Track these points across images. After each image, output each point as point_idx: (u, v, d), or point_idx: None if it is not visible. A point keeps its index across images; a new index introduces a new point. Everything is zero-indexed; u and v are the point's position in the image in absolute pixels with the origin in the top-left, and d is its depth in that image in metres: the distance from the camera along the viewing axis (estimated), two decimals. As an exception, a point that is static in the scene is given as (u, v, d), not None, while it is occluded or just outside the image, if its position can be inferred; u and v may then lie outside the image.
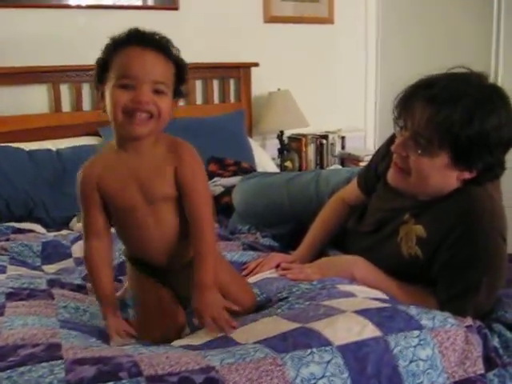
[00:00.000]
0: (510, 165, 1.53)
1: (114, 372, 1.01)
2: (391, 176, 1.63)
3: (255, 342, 1.19)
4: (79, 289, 1.65)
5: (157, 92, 1.30)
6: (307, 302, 1.40)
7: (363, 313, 1.27)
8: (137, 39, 1.31)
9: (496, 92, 1.47)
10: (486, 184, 1.51)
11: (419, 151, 1.49)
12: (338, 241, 1.90)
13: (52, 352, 1.10)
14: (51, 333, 1.23)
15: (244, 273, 1.76)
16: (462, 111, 1.41)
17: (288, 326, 1.25)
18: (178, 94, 1.39)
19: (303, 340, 1.15)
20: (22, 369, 1.03)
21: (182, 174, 1.35)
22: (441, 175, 1.51)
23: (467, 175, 1.50)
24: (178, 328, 1.43)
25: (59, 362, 1.05)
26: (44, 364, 1.04)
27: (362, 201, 1.86)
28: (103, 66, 1.32)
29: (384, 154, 1.77)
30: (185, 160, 1.35)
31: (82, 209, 1.40)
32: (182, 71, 1.38)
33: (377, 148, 1.95)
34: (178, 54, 1.37)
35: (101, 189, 1.36)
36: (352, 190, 1.91)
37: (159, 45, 1.33)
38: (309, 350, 1.12)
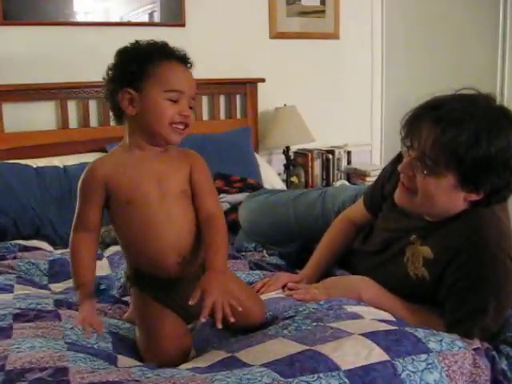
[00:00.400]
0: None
1: (121, 399, 1.01)
2: (398, 196, 1.63)
3: (262, 365, 1.18)
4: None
5: (189, 106, 1.43)
6: (314, 323, 1.40)
7: (370, 336, 1.26)
8: (177, 55, 1.44)
9: (504, 114, 1.47)
10: (493, 206, 1.50)
11: (425, 171, 1.49)
12: (345, 260, 1.90)
13: (59, 377, 1.10)
14: (58, 356, 1.23)
15: (251, 293, 1.75)
16: (468, 133, 1.41)
17: (295, 348, 1.25)
18: None
19: (310, 364, 1.15)
20: (29, 395, 1.03)
21: (196, 173, 1.46)
22: (447, 196, 1.50)
23: (474, 197, 1.49)
24: (185, 352, 1.43)
25: (66, 388, 1.05)
26: (51, 390, 1.04)
27: (368, 220, 1.86)
28: (138, 72, 1.39)
29: (390, 173, 1.76)
30: (198, 161, 1.48)
31: (78, 201, 1.44)
32: None
33: (383, 163, 1.95)
34: None
35: (110, 186, 1.41)
36: (358, 210, 1.91)
37: (190, 63, 1.47)
38: (316, 375, 1.12)
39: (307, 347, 1.24)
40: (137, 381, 1.09)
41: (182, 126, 1.41)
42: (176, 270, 1.44)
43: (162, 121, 1.39)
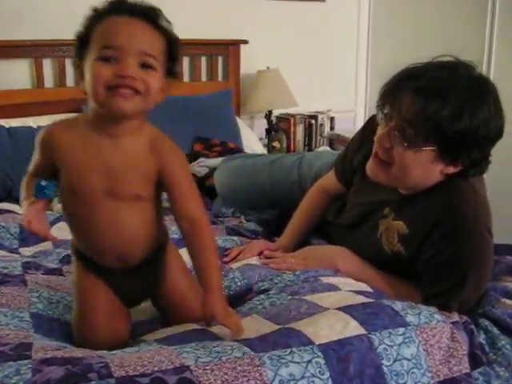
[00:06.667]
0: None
1: (82, 373, 0.96)
2: (370, 167, 1.54)
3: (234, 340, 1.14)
4: (54, 272, 1.59)
5: (145, 66, 1.14)
6: (289, 297, 1.36)
7: (346, 309, 1.23)
8: (121, 8, 1.15)
9: (485, 84, 1.41)
10: (469, 178, 1.46)
11: (405, 144, 1.41)
12: (321, 230, 1.85)
13: (21, 351, 1.05)
14: (24, 335, 1.17)
15: (226, 259, 1.71)
16: (451, 106, 1.35)
17: (270, 327, 1.20)
18: (171, 73, 1.23)
19: (283, 340, 1.11)
20: (-13, 368, 0.98)
21: (169, 169, 1.21)
22: (424, 169, 1.44)
23: (452, 169, 1.44)
24: (119, 336, 1.28)
25: (26, 361, 1.00)
26: (11, 363, 0.99)
27: (342, 190, 1.80)
28: (83, 41, 1.16)
29: (359, 144, 1.70)
30: (171, 153, 1.22)
31: (35, 151, 1.24)
32: (173, 47, 1.21)
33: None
34: (170, 26, 1.20)
35: (58, 164, 1.20)
36: (332, 180, 1.85)
37: (147, 14, 1.16)
38: (288, 350, 1.07)
39: (281, 326, 1.20)
40: (100, 357, 1.04)
41: (125, 90, 1.12)
42: (117, 266, 1.27)
43: (94, 85, 1.11)
